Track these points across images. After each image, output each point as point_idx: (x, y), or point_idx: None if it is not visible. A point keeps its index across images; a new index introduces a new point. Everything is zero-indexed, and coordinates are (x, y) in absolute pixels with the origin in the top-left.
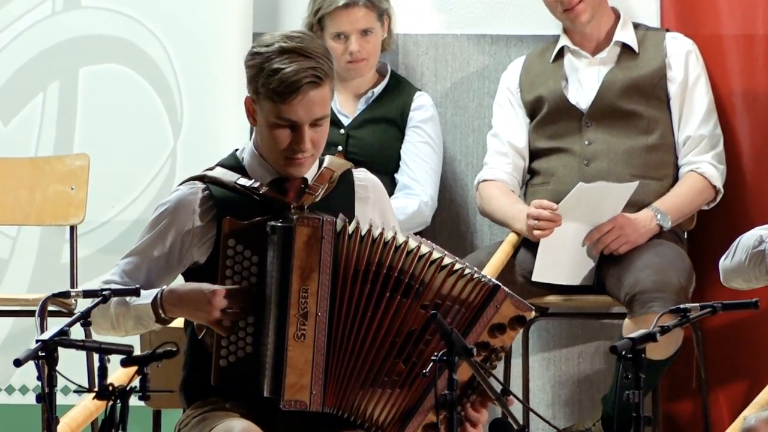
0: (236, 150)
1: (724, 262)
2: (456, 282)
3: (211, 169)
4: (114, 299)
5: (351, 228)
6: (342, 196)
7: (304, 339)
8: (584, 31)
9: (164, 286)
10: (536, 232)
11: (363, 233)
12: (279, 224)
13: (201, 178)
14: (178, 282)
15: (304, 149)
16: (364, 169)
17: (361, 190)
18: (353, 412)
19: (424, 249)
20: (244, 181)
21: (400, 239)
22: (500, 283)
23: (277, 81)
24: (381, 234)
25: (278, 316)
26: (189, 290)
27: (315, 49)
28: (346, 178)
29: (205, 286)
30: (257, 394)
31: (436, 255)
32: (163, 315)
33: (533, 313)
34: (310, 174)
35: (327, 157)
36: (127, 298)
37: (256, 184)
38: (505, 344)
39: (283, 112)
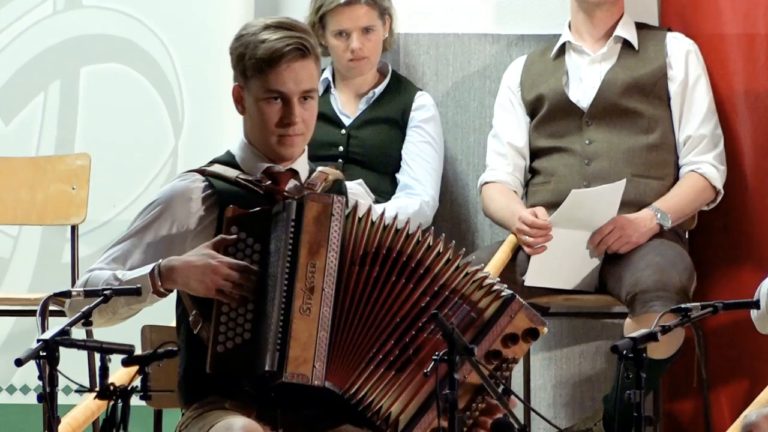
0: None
1: (753, 314)
2: (467, 283)
3: (208, 165)
4: (104, 277)
5: (361, 212)
6: None
7: (309, 313)
8: (594, 17)
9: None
10: (527, 249)
11: (374, 218)
12: (289, 200)
13: (200, 172)
14: None
15: (294, 121)
16: (360, 181)
17: (351, 198)
18: (353, 393)
19: (437, 244)
20: (245, 176)
21: (411, 227)
22: (516, 294)
23: (263, 49)
24: (393, 221)
25: (284, 289)
26: (191, 257)
27: (299, 25)
28: (339, 187)
29: (206, 251)
30: (253, 378)
31: (450, 254)
32: (160, 285)
33: (546, 329)
34: (302, 173)
35: (320, 167)
36: (119, 274)
37: (259, 177)
38: (516, 355)
39: (272, 82)
